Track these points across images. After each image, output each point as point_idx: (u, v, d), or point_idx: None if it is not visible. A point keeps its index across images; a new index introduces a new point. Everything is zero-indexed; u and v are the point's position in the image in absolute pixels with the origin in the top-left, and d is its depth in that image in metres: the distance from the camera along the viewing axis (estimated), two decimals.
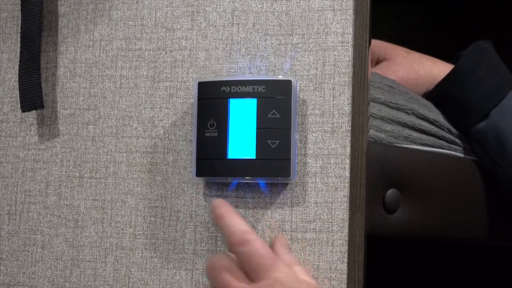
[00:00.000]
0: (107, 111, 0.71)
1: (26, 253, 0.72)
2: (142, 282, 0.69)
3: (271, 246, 0.66)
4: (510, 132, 0.82)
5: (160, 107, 0.70)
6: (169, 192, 0.69)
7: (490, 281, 1.16)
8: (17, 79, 0.72)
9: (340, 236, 0.66)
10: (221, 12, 0.70)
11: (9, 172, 0.73)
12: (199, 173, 0.66)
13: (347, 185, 0.66)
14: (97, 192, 0.71)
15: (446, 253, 1.14)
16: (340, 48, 0.67)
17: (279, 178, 0.65)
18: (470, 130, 0.85)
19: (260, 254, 0.61)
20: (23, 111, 0.71)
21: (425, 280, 1.15)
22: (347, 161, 0.66)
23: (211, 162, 0.66)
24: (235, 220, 0.63)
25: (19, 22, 0.73)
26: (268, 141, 0.65)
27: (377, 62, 0.93)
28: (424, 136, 0.82)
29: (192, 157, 0.67)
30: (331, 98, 0.67)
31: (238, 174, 0.65)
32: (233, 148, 0.65)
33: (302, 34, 0.68)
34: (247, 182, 0.67)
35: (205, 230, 0.68)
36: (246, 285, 0.61)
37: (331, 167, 0.66)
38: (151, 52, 0.71)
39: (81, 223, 0.71)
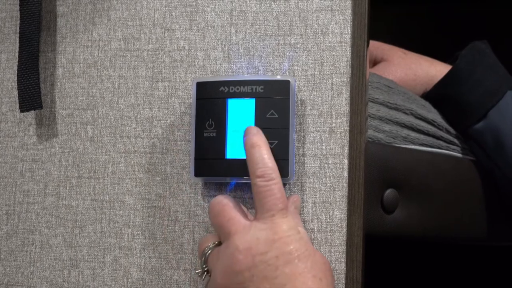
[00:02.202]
0: (106, 111, 0.72)
1: (25, 253, 0.72)
2: (141, 282, 0.69)
3: None
4: (508, 132, 0.82)
5: (158, 107, 0.70)
6: (167, 192, 0.69)
7: (488, 281, 1.16)
8: (15, 79, 0.72)
9: (338, 236, 0.66)
10: (219, 12, 0.70)
11: (7, 172, 0.73)
12: (197, 173, 0.66)
13: (345, 185, 0.66)
14: (96, 192, 0.71)
15: (444, 253, 1.14)
16: (338, 48, 0.67)
17: None
18: (468, 130, 0.85)
19: (276, 195, 0.61)
20: (21, 111, 0.71)
21: (423, 280, 1.15)
22: (345, 161, 0.66)
23: (210, 162, 0.66)
24: (267, 154, 0.62)
25: (18, 22, 0.73)
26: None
27: (375, 63, 0.93)
28: (422, 136, 0.82)
29: (191, 157, 0.67)
30: (329, 98, 0.67)
31: (237, 174, 0.65)
32: (231, 148, 0.65)
33: (301, 34, 0.68)
34: (246, 182, 0.67)
35: (203, 230, 0.68)
36: (249, 223, 0.61)
37: (329, 167, 0.66)
38: (150, 52, 0.71)
39: (79, 223, 0.71)
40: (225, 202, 0.63)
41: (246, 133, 0.64)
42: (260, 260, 0.59)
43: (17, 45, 0.73)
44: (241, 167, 0.65)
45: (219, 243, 0.64)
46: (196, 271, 0.65)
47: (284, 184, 0.67)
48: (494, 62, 0.87)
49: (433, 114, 0.85)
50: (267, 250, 0.60)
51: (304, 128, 0.67)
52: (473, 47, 0.87)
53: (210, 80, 0.67)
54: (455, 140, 0.86)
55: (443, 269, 1.16)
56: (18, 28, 0.73)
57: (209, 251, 0.64)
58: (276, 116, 0.65)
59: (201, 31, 0.70)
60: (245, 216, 0.63)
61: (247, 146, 0.63)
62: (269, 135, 0.65)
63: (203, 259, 0.64)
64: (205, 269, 0.64)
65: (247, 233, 0.61)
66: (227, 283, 0.60)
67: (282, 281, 0.59)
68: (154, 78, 0.71)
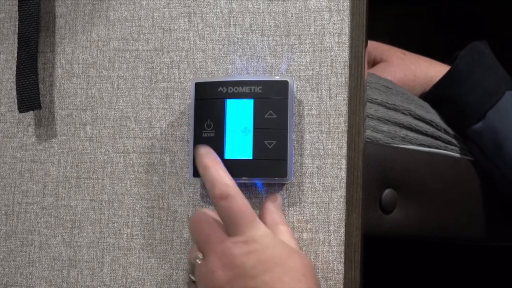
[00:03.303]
0: (105, 112, 0.72)
1: (24, 253, 0.72)
2: (139, 282, 0.69)
3: (263, 203, 0.66)
4: (506, 133, 0.82)
5: (157, 108, 0.70)
6: (166, 192, 0.69)
7: (486, 281, 1.16)
8: (14, 80, 0.72)
9: (337, 236, 0.66)
10: (218, 13, 0.70)
11: (6, 173, 0.73)
12: (196, 174, 0.66)
13: (344, 185, 0.66)
14: (95, 192, 0.71)
15: (442, 253, 1.14)
16: (336, 48, 0.67)
17: (276, 178, 0.65)
18: (466, 131, 0.85)
19: (240, 209, 0.61)
20: (20, 111, 0.71)
21: (422, 280, 1.15)
22: (344, 161, 0.66)
23: None
24: (220, 173, 0.62)
25: (17, 23, 0.73)
26: (265, 142, 0.65)
27: (373, 63, 0.93)
28: (420, 137, 0.82)
29: (189, 157, 0.67)
30: (328, 99, 0.67)
31: (235, 175, 0.65)
32: (230, 148, 0.65)
33: (299, 35, 0.68)
34: (244, 183, 0.67)
35: None
36: (223, 240, 0.61)
37: (327, 167, 0.66)
38: (148, 53, 0.71)
39: (78, 224, 0.71)
40: (202, 219, 0.63)
41: (195, 154, 0.64)
42: (239, 273, 0.60)
43: (16, 45, 0.73)
44: (239, 168, 0.65)
45: None
46: (186, 282, 0.65)
47: (283, 184, 0.67)
48: (493, 63, 0.87)
49: (432, 115, 0.85)
50: (244, 262, 0.60)
51: (303, 128, 0.67)
52: (472, 47, 0.87)
53: (209, 81, 0.67)
54: (454, 141, 0.86)
55: (442, 269, 1.16)
56: (17, 28, 0.73)
57: (197, 262, 0.63)
58: (275, 116, 0.65)
59: (199, 32, 0.70)
60: (221, 232, 0.62)
61: (200, 169, 0.64)
62: (267, 136, 0.65)
63: (192, 270, 0.64)
64: (193, 280, 0.64)
65: (223, 250, 0.61)
66: None
67: None
68: (153, 78, 0.71)
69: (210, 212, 0.64)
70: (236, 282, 0.60)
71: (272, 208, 0.65)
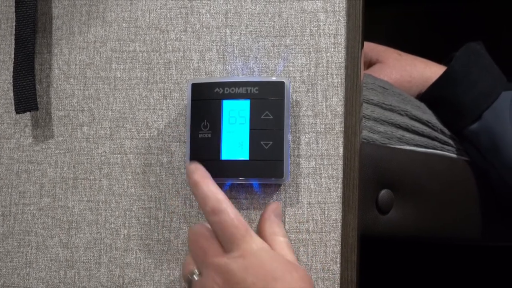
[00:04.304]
0: (101, 113, 0.72)
1: (21, 254, 0.72)
2: (136, 283, 0.69)
3: (263, 211, 0.66)
4: (503, 133, 0.83)
5: (154, 109, 0.71)
6: (163, 193, 0.70)
7: (483, 282, 1.16)
8: (11, 81, 0.72)
9: (333, 236, 0.66)
10: (214, 14, 0.70)
11: (3, 174, 0.73)
12: None
13: (340, 186, 0.66)
14: (91, 193, 0.71)
15: (439, 253, 1.14)
16: (332, 49, 0.67)
17: (273, 179, 0.65)
18: (463, 131, 0.86)
19: (233, 224, 0.61)
20: (17, 112, 0.71)
21: (419, 281, 1.15)
22: (340, 162, 0.66)
23: (205, 163, 0.66)
24: (210, 188, 0.62)
25: (13, 24, 0.73)
26: (261, 142, 0.65)
27: (369, 64, 0.93)
28: (417, 137, 0.83)
29: (186, 158, 0.67)
30: (324, 99, 0.67)
31: (232, 175, 0.65)
32: (226, 149, 0.66)
33: (295, 36, 0.68)
34: (241, 183, 0.67)
35: None
36: (220, 255, 0.61)
37: (324, 168, 0.66)
38: (145, 53, 0.71)
39: (75, 224, 0.71)
40: (200, 232, 0.63)
41: (186, 173, 0.64)
42: None
43: (13, 46, 0.73)
44: (236, 168, 0.65)
45: None
46: None
47: (279, 185, 0.67)
48: (489, 63, 0.87)
49: (428, 115, 0.85)
50: (244, 277, 0.59)
51: (299, 129, 0.67)
52: (467, 48, 0.87)
53: (205, 82, 0.67)
54: (450, 141, 0.86)
55: (438, 269, 1.16)
56: (13, 30, 0.73)
57: (194, 278, 0.63)
58: (271, 117, 0.65)
59: (196, 33, 0.70)
60: (219, 247, 0.62)
61: (190, 187, 0.63)
62: (264, 136, 0.65)
63: (187, 284, 0.64)
64: None
65: (220, 266, 0.60)
66: None
67: None
68: (150, 79, 0.71)
69: (204, 227, 0.64)
70: None
71: (272, 217, 0.65)
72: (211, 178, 0.63)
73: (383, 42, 0.95)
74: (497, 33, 1.26)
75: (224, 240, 0.61)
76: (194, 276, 0.63)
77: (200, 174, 0.63)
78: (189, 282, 0.63)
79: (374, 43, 0.94)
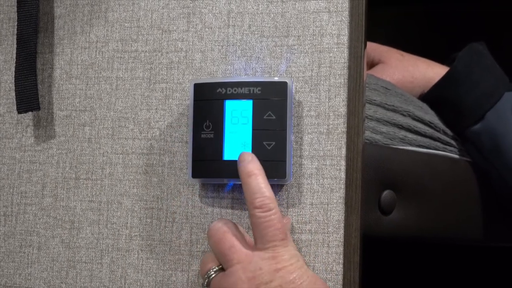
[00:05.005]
0: (103, 113, 0.72)
1: (22, 254, 0.72)
2: (138, 283, 0.69)
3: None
4: (505, 134, 0.82)
5: (156, 109, 0.70)
6: (165, 193, 0.69)
7: (485, 282, 1.16)
8: (13, 81, 0.72)
9: (336, 237, 0.66)
10: (217, 13, 0.70)
11: (5, 174, 0.73)
12: (195, 175, 0.66)
13: (343, 186, 0.66)
14: (93, 193, 0.71)
15: (441, 254, 1.14)
16: (335, 49, 0.67)
17: (275, 179, 0.65)
18: (465, 132, 0.86)
19: (276, 226, 0.61)
20: (19, 112, 0.71)
21: (421, 281, 1.15)
22: (343, 162, 0.66)
23: (207, 163, 0.66)
24: (264, 183, 0.62)
25: (15, 23, 0.73)
26: (264, 143, 0.65)
27: (372, 64, 0.93)
28: (419, 138, 0.82)
29: (188, 158, 0.67)
30: (327, 100, 0.67)
31: (234, 176, 0.65)
32: (229, 149, 0.65)
33: (298, 36, 0.68)
34: None
35: (200, 231, 0.68)
36: (250, 253, 0.61)
37: (326, 168, 0.66)
38: (147, 53, 0.71)
39: (77, 225, 0.71)
40: (225, 229, 0.63)
41: (240, 160, 0.64)
42: None
43: (15, 46, 0.73)
44: None
45: (223, 268, 0.63)
46: None
47: (282, 186, 0.67)
48: (492, 64, 0.87)
49: (431, 116, 0.85)
50: (271, 279, 0.60)
51: (302, 129, 0.67)
52: (470, 48, 0.87)
53: (208, 82, 0.67)
54: (452, 142, 0.86)
55: (441, 270, 1.16)
56: (15, 29, 0.73)
57: (213, 275, 0.63)
58: (274, 117, 0.65)
59: (198, 33, 0.70)
60: (246, 242, 0.63)
61: (243, 174, 0.63)
62: (266, 137, 0.65)
63: (206, 281, 0.64)
64: None
65: (250, 263, 0.61)
66: None
67: None
68: (152, 79, 0.71)
69: (230, 222, 0.64)
70: None
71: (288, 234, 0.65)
72: (265, 175, 0.63)
73: (384, 43, 0.95)
74: (498, 33, 1.26)
75: (262, 237, 0.61)
76: (212, 271, 0.63)
77: (256, 166, 0.63)
78: (209, 278, 0.63)
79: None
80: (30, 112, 0.73)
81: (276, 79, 0.66)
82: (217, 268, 0.63)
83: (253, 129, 0.65)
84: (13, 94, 0.73)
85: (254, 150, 0.65)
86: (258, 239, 0.62)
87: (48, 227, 0.72)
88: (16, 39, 0.72)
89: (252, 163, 0.63)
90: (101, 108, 0.72)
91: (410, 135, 0.81)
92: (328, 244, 0.66)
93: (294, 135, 0.67)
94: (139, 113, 0.71)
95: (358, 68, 0.67)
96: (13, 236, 0.72)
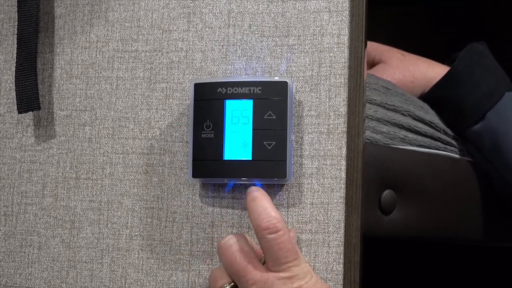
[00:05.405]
0: (104, 113, 0.72)
1: (23, 254, 0.72)
2: (139, 283, 0.69)
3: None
4: (505, 134, 0.82)
5: (156, 109, 0.70)
6: (165, 193, 0.69)
7: (485, 282, 1.16)
8: (13, 81, 0.72)
9: (336, 237, 0.66)
10: (217, 13, 0.70)
11: (5, 174, 0.73)
12: (195, 174, 0.66)
13: (343, 186, 0.66)
14: (94, 193, 0.71)
15: (441, 254, 1.14)
16: (336, 49, 0.67)
17: (275, 179, 0.65)
18: (466, 132, 0.85)
19: (287, 246, 0.61)
20: (19, 112, 0.71)
21: (421, 281, 1.15)
22: (343, 162, 0.66)
23: (207, 163, 0.66)
24: (269, 205, 0.62)
25: (16, 23, 0.73)
26: (264, 142, 0.65)
27: (372, 64, 0.93)
28: (420, 138, 0.82)
29: (189, 158, 0.67)
30: (327, 100, 0.67)
31: (235, 175, 0.65)
32: (229, 149, 0.65)
33: (298, 36, 0.68)
34: (244, 183, 0.67)
35: (201, 231, 0.68)
36: (265, 273, 0.61)
37: (327, 168, 0.66)
38: (148, 53, 0.71)
39: (77, 224, 0.71)
40: (236, 248, 0.62)
41: (247, 193, 0.64)
42: None
43: (15, 46, 0.73)
44: (239, 168, 0.65)
45: (235, 285, 0.63)
46: None
47: (282, 185, 0.67)
48: (492, 64, 0.87)
49: (431, 116, 0.85)
50: None
51: (302, 129, 0.67)
52: (471, 48, 0.87)
53: (208, 81, 0.67)
54: (453, 142, 0.86)
55: (441, 270, 1.16)
56: (16, 29, 0.73)
57: None
58: (274, 117, 0.65)
59: (198, 32, 0.70)
60: (258, 262, 0.62)
61: (248, 200, 0.63)
62: (267, 136, 0.65)
63: None
64: None
65: (266, 283, 0.60)
66: None
67: None
68: (152, 79, 0.71)
69: (240, 238, 0.64)
70: None
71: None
72: (271, 200, 0.63)
73: (385, 43, 0.95)
74: (498, 33, 1.26)
75: (274, 259, 0.61)
76: (227, 287, 0.63)
77: (261, 192, 0.63)
78: None
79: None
80: (30, 112, 0.73)
81: (276, 78, 0.66)
82: (229, 286, 0.63)
83: (253, 129, 0.65)
84: (14, 94, 0.73)
85: (255, 150, 0.65)
86: (270, 262, 0.61)
87: (48, 227, 0.72)
88: (17, 39, 0.72)
89: (256, 191, 0.63)
90: (101, 108, 0.72)
91: (411, 135, 0.81)
92: (328, 243, 0.66)
93: (294, 134, 0.67)
94: (139, 113, 0.71)
95: (358, 67, 0.67)
96: (13, 236, 0.72)
